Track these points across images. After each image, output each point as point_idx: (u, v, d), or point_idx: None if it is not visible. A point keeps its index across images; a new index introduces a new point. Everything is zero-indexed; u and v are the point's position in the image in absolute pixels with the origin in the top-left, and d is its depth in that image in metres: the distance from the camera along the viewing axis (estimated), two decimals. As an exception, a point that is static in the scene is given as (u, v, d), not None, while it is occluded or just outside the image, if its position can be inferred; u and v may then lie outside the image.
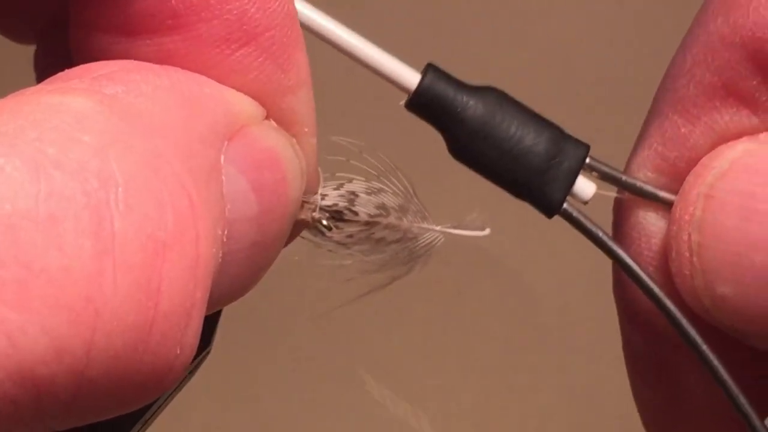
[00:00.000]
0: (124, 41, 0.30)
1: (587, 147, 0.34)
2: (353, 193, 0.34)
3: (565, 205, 0.33)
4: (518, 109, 0.34)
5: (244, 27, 0.30)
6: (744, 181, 0.31)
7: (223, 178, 0.28)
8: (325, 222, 0.32)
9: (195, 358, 0.31)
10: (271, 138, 0.30)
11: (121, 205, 0.24)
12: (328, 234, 0.33)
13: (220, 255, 0.27)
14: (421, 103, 0.33)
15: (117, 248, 0.24)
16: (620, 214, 0.35)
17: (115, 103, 0.25)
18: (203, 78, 0.29)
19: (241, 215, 0.28)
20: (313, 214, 0.32)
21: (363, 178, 0.34)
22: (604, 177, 0.35)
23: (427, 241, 0.35)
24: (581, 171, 0.34)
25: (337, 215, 0.33)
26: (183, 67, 0.29)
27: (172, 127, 0.26)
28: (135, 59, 0.29)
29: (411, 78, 0.33)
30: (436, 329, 0.91)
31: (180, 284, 0.25)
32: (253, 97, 0.30)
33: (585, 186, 0.34)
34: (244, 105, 0.29)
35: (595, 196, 0.35)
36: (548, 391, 0.92)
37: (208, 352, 0.32)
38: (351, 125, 0.94)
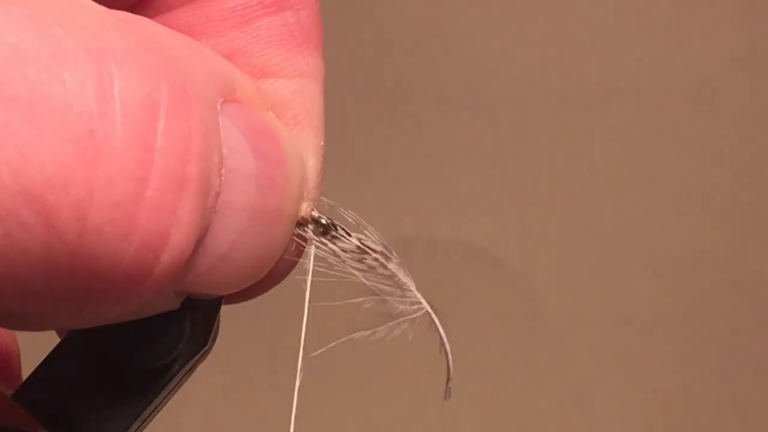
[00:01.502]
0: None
1: None
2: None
3: None
4: None
5: None
6: None
7: (219, 121, 0.28)
8: (324, 221, 0.32)
9: (194, 357, 0.31)
10: (270, 119, 0.30)
11: (119, 59, 0.25)
12: (328, 237, 0.33)
13: (218, 184, 0.28)
14: None
15: (117, 97, 0.25)
16: None
17: (122, 16, 0.27)
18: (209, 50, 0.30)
19: (239, 167, 0.29)
20: (313, 212, 0.32)
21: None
22: None
23: (407, 305, 0.34)
24: None
25: (333, 227, 0.33)
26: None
27: (173, 43, 0.28)
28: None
29: None
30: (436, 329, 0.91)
31: (174, 149, 0.26)
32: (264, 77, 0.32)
33: None
34: (247, 84, 0.30)
35: None
36: (548, 391, 0.92)
37: (207, 351, 0.32)
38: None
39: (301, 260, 0.33)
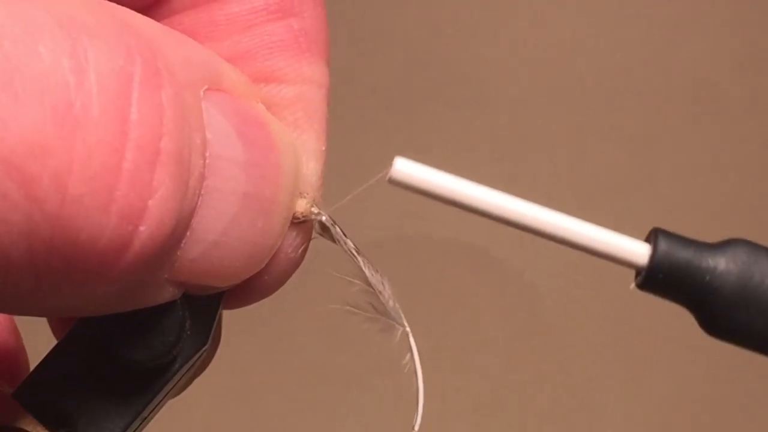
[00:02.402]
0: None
1: None
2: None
3: None
4: None
5: (284, 3, 0.32)
6: None
7: (202, 105, 0.28)
8: (325, 217, 0.32)
9: (195, 356, 0.31)
10: (259, 109, 0.30)
11: (93, 32, 0.26)
12: (328, 233, 0.33)
13: (201, 165, 0.28)
14: (658, 278, 0.28)
15: (92, 69, 0.25)
16: None
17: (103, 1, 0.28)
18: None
19: (225, 153, 0.29)
20: (312, 209, 0.32)
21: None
22: None
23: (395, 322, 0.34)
24: None
25: (332, 226, 0.33)
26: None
27: (148, 27, 0.28)
28: None
29: (638, 250, 0.28)
30: (436, 329, 0.91)
31: (147, 121, 0.26)
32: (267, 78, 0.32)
33: None
34: (235, 76, 0.30)
35: None
36: (548, 391, 0.92)
37: (207, 350, 0.32)
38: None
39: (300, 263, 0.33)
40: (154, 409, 0.31)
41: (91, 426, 0.30)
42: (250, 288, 0.32)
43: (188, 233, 0.28)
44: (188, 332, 0.31)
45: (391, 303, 0.33)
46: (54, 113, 0.25)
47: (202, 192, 0.28)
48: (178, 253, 0.28)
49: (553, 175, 0.94)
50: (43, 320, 0.36)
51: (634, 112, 0.95)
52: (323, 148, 0.33)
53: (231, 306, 0.33)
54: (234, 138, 0.29)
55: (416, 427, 0.33)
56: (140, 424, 0.31)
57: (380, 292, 0.33)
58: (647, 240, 0.28)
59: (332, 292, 0.32)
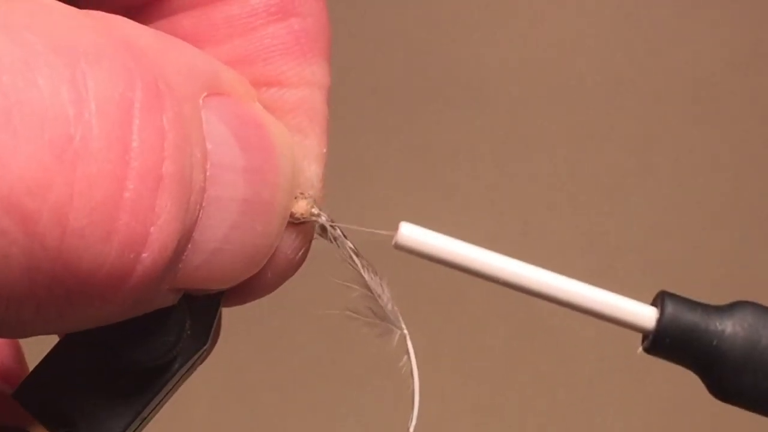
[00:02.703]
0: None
1: None
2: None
3: None
4: None
5: (285, 3, 0.32)
6: None
7: (202, 115, 0.28)
8: (324, 217, 0.32)
9: (194, 355, 0.31)
10: (257, 110, 0.30)
11: (91, 59, 0.25)
12: (328, 234, 0.33)
13: (202, 180, 0.28)
14: (665, 342, 0.28)
15: (92, 98, 0.25)
16: None
17: (92, 15, 0.27)
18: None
19: (225, 161, 0.29)
20: (313, 209, 0.32)
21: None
22: None
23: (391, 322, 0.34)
24: None
25: (332, 227, 0.33)
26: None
27: (146, 40, 0.27)
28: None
29: (645, 313, 0.28)
30: (435, 330, 0.91)
31: (149, 147, 0.26)
32: (268, 81, 0.31)
33: None
34: (231, 76, 0.30)
35: None
36: (548, 391, 0.92)
37: (207, 349, 0.31)
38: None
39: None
40: (154, 409, 0.31)
41: (91, 426, 0.30)
42: (250, 287, 0.32)
43: (190, 246, 0.28)
44: (188, 332, 0.31)
45: (389, 306, 0.33)
46: (53, 148, 0.24)
47: (203, 204, 0.28)
48: (180, 266, 0.28)
49: (553, 175, 0.94)
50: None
51: (634, 112, 0.95)
52: (324, 151, 0.33)
53: (230, 304, 0.33)
54: (233, 144, 0.29)
55: (411, 428, 0.33)
56: (140, 424, 0.31)
57: (379, 295, 0.33)
58: (654, 303, 0.28)
59: (332, 293, 0.32)
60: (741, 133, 0.95)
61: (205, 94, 0.28)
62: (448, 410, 0.91)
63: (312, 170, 0.32)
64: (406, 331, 0.33)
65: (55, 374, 0.30)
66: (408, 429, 0.33)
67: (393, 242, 0.29)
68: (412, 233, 0.29)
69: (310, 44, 0.32)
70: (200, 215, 0.28)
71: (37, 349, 0.33)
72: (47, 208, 0.24)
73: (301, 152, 0.32)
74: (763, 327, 0.27)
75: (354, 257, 0.33)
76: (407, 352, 0.33)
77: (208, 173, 0.28)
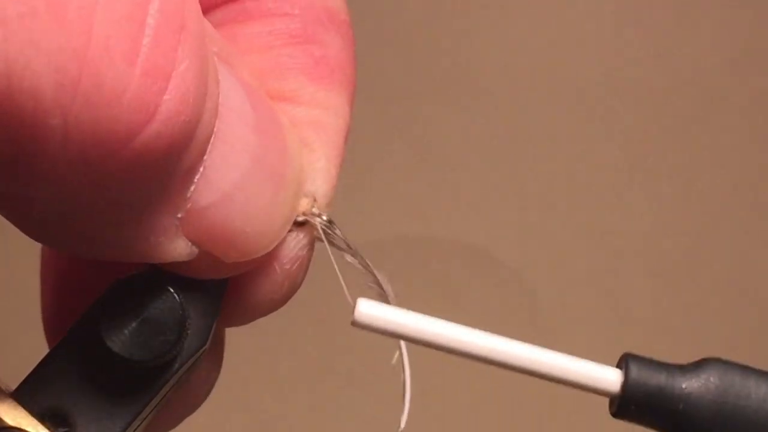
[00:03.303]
0: None
1: None
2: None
3: None
4: (750, 378, 0.27)
5: (308, 31, 0.32)
6: None
7: (216, 62, 0.28)
8: (325, 217, 0.32)
9: (195, 355, 0.31)
10: (270, 102, 0.30)
11: None
12: (328, 234, 0.33)
13: (217, 95, 0.28)
14: (631, 408, 0.27)
15: None
16: None
17: None
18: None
19: (236, 107, 0.29)
20: (313, 209, 0.32)
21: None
22: None
23: None
24: None
25: (333, 227, 0.33)
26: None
27: None
28: None
29: (609, 378, 0.28)
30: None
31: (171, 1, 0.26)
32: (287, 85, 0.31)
33: None
34: (247, 71, 0.30)
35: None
36: (548, 391, 0.92)
37: (205, 350, 0.32)
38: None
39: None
40: (153, 408, 0.31)
41: (90, 426, 0.30)
42: (257, 299, 0.32)
43: (201, 169, 0.28)
44: (188, 332, 0.31)
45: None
46: None
47: (215, 130, 0.28)
48: (190, 194, 0.28)
49: (553, 175, 0.94)
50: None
51: (634, 112, 0.95)
52: (334, 173, 0.32)
53: (232, 324, 0.33)
54: (245, 99, 0.29)
55: (402, 425, 0.33)
56: (140, 424, 0.31)
57: (382, 293, 0.33)
58: (619, 365, 0.28)
59: (331, 294, 0.32)
60: (741, 134, 0.95)
61: (218, 51, 0.28)
62: (447, 410, 0.91)
63: (317, 184, 0.32)
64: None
65: (56, 374, 0.30)
66: (399, 427, 0.33)
67: (351, 321, 0.28)
68: (370, 310, 0.28)
69: (328, 71, 0.32)
70: (212, 142, 0.28)
71: (37, 349, 0.33)
72: (74, 6, 0.24)
73: (307, 161, 0.32)
74: (730, 386, 0.27)
75: (355, 259, 0.33)
76: (399, 349, 0.33)
77: (220, 108, 0.28)
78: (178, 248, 0.29)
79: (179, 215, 0.28)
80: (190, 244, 0.29)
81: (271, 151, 0.29)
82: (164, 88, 0.26)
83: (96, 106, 0.25)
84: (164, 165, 0.27)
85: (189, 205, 0.28)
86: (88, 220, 0.28)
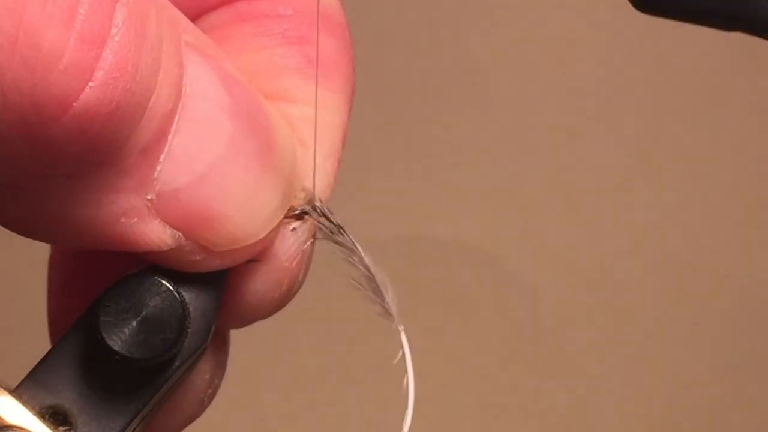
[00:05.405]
0: None
1: None
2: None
3: None
4: None
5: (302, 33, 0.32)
6: None
7: (183, 49, 0.28)
8: (323, 208, 0.32)
9: (195, 353, 0.31)
10: (259, 96, 0.30)
11: None
12: (326, 227, 0.33)
13: (180, 70, 0.28)
14: None
15: None
16: None
17: None
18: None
19: (207, 95, 0.28)
20: (314, 205, 0.32)
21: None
22: None
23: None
24: None
25: (328, 218, 0.33)
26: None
27: None
28: None
29: None
30: (436, 329, 0.91)
31: None
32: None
33: None
34: (233, 65, 0.30)
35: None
36: (548, 391, 0.92)
37: (204, 349, 0.32)
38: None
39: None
40: (154, 407, 0.31)
41: (91, 424, 0.30)
42: (257, 299, 0.32)
43: (166, 149, 0.28)
44: (189, 330, 0.31)
45: (390, 301, 0.33)
46: None
47: (178, 110, 0.28)
48: (157, 174, 0.28)
49: (553, 175, 0.94)
50: (44, 320, 0.36)
51: (634, 112, 0.95)
52: (330, 170, 0.32)
53: (234, 326, 0.33)
54: (218, 86, 0.29)
55: (406, 427, 0.33)
56: (140, 422, 0.31)
57: (378, 290, 0.33)
58: None
59: (331, 294, 0.32)
60: (741, 134, 0.95)
61: (187, 38, 0.28)
62: (447, 410, 0.91)
63: (309, 183, 0.32)
64: (401, 327, 0.33)
65: (56, 372, 0.31)
66: (403, 427, 0.33)
67: None
68: None
69: (322, 71, 0.32)
70: (179, 128, 0.28)
71: (37, 349, 0.33)
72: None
73: (302, 158, 0.31)
74: None
75: (355, 258, 0.33)
76: (402, 347, 0.33)
77: (187, 90, 0.28)
78: (156, 231, 0.28)
79: (149, 196, 0.28)
80: (170, 228, 0.29)
81: (251, 138, 0.29)
82: (100, 54, 0.26)
83: (34, 68, 0.25)
84: (113, 137, 0.27)
85: (158, 187, 0.28)
86: (41, 194, 0.27)
